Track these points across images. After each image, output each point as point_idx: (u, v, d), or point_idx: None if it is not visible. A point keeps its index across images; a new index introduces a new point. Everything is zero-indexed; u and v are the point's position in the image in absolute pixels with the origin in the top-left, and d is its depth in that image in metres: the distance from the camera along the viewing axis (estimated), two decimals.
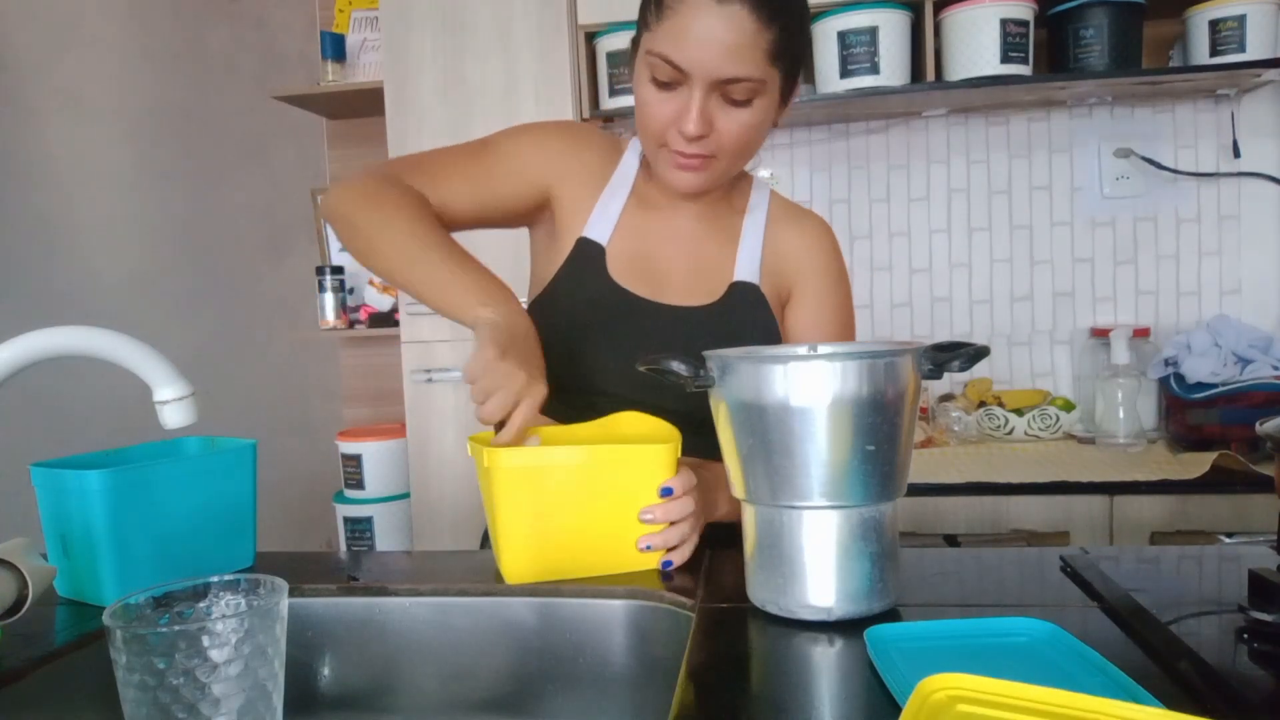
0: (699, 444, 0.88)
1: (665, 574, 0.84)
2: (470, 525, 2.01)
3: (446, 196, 1.00)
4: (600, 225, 1.04)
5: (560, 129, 1.10)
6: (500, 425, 0.82)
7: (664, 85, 0.91)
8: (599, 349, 1.01)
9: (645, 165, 1.08)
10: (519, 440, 0.82)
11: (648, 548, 0.83)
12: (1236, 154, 2.02)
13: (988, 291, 2.17)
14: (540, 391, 0.82)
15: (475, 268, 0.91)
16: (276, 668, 0.55)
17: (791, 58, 0.93)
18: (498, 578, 0.83)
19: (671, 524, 0.84)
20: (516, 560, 0.82)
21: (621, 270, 1.03)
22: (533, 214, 1.08)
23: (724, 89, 0.90)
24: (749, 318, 1.03)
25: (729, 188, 1.09)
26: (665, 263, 1.05)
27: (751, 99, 0.91)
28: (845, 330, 1.10)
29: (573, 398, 0.99)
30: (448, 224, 1.00)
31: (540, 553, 0.81)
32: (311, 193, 2.49)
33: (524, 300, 1.04)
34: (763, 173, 2.22)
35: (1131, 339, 1.91)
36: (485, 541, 1.13)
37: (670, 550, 0.84)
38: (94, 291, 1.85)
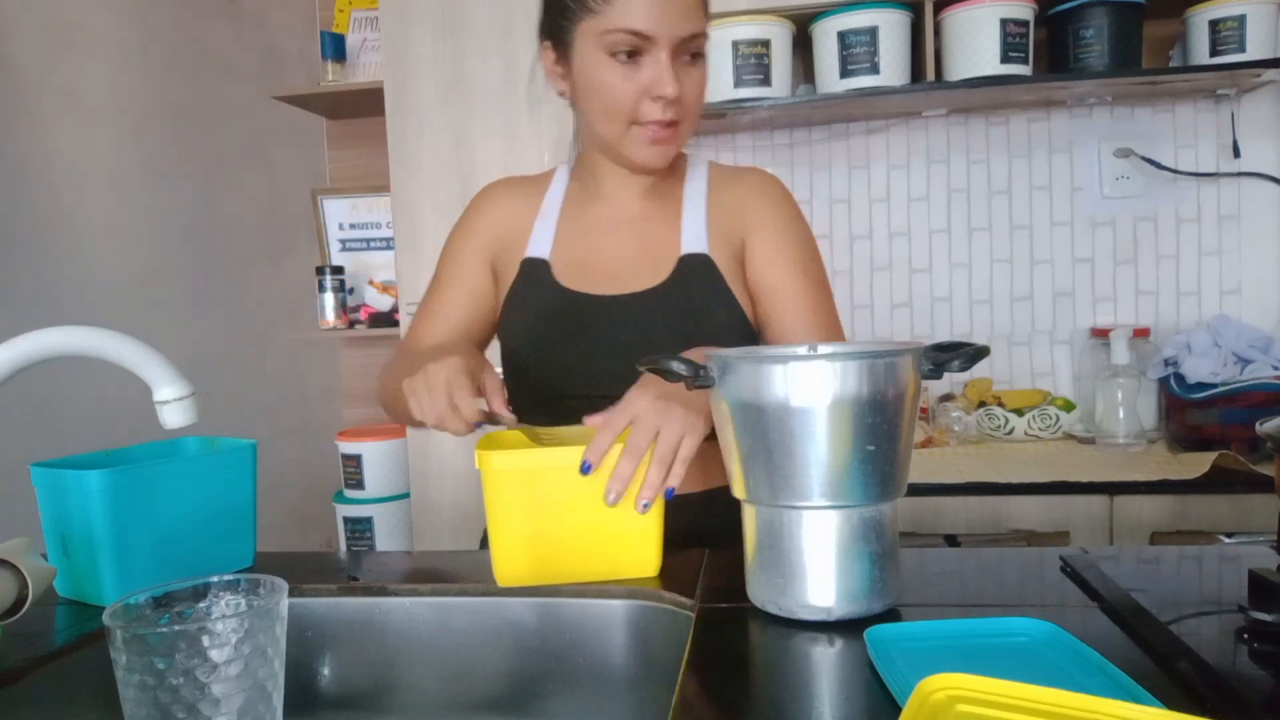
0: None
1: (667, 499, 0.80)
2: (470, 525, 2.00)
3: (449, 329, 1.08)
4: (540, 243, 1.07)
5: (476, 205, 1.14)
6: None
7: (629, 58, 0.94)
8: (560, 355, 1.02)
9: (576, 174, 1.12)
10: (471, 426, 0.85)
11: (645, 506, 0.79)
12: (1236, 154, 2.02)
13: (988, 291, 2.17)
14: (459, 366, 0.85)
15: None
16: (276, 668, 0.55)
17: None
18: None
19: (642, 483, 0.79)
20: (509, 563, 0.81)
21: (568, 274, 1.04)
22: None
23: (685, 46, 0.95)
24: (702, 289, 1.03)
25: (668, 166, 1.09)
26: (611, 253, 1.06)
27: (700, 54, 0.97)
28: (812, 265, 1.07)
29: (552, 406, 1.02)
30: (475, 345, 1.09)
31: (533, 557, 0.81)
32: (312, 193, 2.49)
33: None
34: None
35: (1131, 339, 1.91)
36: (485, 542, 1.14)
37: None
38: (94, 291, 1.85)
